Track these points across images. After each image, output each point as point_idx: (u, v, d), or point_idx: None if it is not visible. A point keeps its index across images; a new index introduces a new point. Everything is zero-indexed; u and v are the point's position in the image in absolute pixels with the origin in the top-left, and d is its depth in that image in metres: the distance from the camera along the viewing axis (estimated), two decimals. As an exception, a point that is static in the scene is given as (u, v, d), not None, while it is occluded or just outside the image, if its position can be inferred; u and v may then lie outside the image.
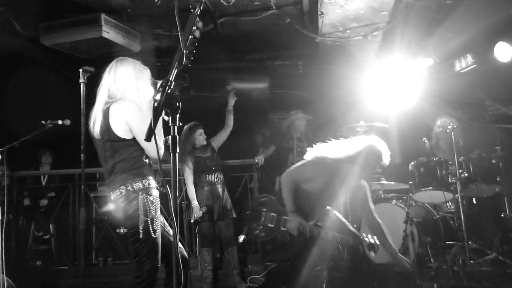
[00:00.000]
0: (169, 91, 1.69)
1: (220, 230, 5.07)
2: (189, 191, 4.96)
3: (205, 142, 5.13)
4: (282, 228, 3.87)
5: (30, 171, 6.34)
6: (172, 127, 1.73)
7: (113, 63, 2.89)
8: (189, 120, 5.12)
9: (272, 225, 3.91)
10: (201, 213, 4.85)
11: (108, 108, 2.73)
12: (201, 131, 5.12)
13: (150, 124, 1.64)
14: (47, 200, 6.31)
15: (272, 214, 3.95)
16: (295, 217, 3.78)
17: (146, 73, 2.91)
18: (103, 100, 2.79)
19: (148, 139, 1.72)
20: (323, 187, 3.74)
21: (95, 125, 2.79)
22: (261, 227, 3.95)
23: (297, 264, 3.76)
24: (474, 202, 4.99)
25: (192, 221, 4.96)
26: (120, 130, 2.71)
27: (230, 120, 5.33)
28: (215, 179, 5.03)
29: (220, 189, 5.02)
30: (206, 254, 4.96)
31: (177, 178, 1.76)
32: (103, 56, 5.44)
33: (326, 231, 3.64)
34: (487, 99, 4.35)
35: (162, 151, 2.64)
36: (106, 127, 2.72)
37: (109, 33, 4.91)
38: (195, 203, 4.88)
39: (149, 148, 2.68)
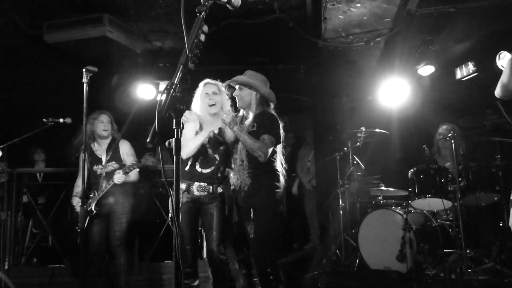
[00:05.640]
0: (174, 94, 1.70)
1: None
2: None
3: None
4: None
5: (31, 169, 6.33)
6: (175, 130, 1.73)
7: None
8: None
9: None
10: None
11: None
12: None
13: (154, 127, 1.65)
14: (44, 198, 6.31)
15: None
16: None
17: None
18: None
19: (151, 141, 1.72)
20: None
21: None
22: None
23: None
24: (473, 210, 4.99)
25: None
26: None
27: None
28: None
29: None
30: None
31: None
32: (106, 55, 5.47)
33: None
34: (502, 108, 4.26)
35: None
36: None
37: (112, 32, 4.93)
38: None
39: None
